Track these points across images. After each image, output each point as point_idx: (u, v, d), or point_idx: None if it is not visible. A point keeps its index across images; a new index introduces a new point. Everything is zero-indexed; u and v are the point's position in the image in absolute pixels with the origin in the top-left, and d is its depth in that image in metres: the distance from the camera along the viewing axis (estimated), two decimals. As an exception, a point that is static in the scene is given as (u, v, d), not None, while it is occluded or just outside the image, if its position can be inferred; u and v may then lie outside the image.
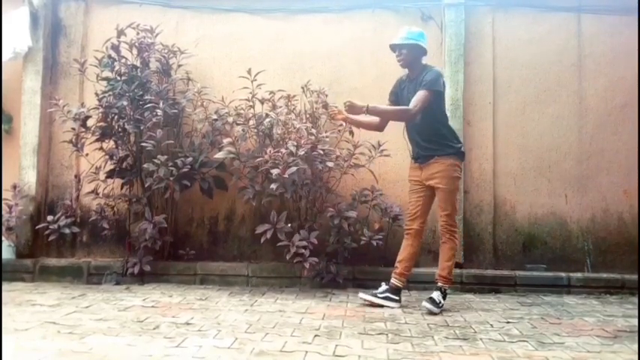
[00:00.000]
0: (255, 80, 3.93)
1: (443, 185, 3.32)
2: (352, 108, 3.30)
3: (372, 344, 2.45)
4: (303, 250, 3.69)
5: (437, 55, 4.41)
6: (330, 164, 3.76)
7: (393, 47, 3.40)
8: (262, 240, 3.80)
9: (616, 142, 4.33)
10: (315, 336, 2.58)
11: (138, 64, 4.08)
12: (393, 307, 3.29)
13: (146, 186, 3.96)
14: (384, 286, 3.40)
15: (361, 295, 3.40)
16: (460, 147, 3.41)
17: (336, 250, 3.94)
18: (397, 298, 3.36)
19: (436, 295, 3.26)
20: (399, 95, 3.50)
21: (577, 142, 4.34)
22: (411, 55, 3.35)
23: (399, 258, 3.46)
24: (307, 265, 3.67)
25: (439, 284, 3.33)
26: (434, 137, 3.35)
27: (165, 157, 3.83)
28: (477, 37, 4.39)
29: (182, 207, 4.34)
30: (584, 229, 4.29)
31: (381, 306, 3.30)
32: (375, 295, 3.35)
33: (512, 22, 4.41)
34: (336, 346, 2.41)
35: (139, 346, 2.36)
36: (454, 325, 2.87)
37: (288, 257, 3.73)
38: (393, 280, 3.41)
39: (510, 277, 3.99)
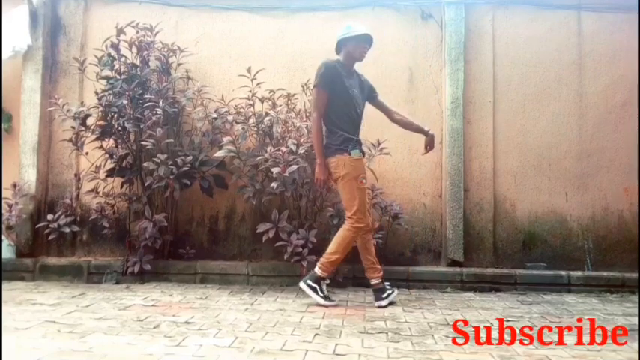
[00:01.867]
0: (255, 79, 3.93)
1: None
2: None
3: (373, 343, 2.46)
4: (301, 249, 3.70)
5: (437, 53, 4.41)
6: None
7: (370, 40, 3.38)
8: (264, 239, 3.80)
9: (616, 141, 4.33)
10: (316, 335, 2.58)
11: (137, 62, 4.08)
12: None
13: (146, 185, 3.96)
14: (389, 289, 3.37)
15: (379, 303, 3.31)
16: None
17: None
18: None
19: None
20: (345, 84, 3.26)
21: (577, 140, 4.34)
22: None
23: (374, 259, 3.39)
24: (305, 264, 3.68)
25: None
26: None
27: (165, 155, 3.83)
28: (477, 35, 4.38)
29: (182, 206, 4.34)
30: (585, 227, 4.29)
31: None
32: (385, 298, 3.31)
33: (512, 20, 4.41)
34: (337, 344, 2.41)
35: (139, 344, 2.36)
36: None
37: (286, 256, 3.74)
38: (380, 282, 3.37)
39: (510, 276, 3.99)
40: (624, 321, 3.02)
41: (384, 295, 3.31)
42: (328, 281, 3.38)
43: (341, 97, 3.28)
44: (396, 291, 3.40)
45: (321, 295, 3.27)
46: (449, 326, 2.81)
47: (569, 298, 3.71)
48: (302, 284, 3.30)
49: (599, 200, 4.30)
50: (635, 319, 3.05)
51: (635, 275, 3.94)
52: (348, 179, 3.25)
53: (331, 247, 3.30)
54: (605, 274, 4.03)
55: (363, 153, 3.40)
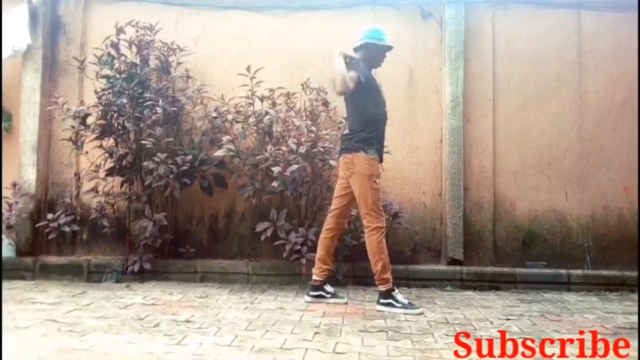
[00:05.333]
0: (255, 78, 3.92)
1: None
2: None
3: (372, 341, 2.46)
4: (300, 247, 3.70)
5: (437, 52, 4.41)
6: (333, 162, 3.75)
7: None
8: (262, 238, 3.81)
9: (616, 139, 4.33)
10: (316, 333, 2.58)
11: (137, 61, 4.07)
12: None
13: (146, 184, 3.96)
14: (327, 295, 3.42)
15: (305, 297, 3.44)
16: None
17: (336, 248, 3.94)
18: None
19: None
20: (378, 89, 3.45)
21: (577, 138, 4.34)
22: None
23: (326, 258, 3.44)
24: (304, 262, 3.68)
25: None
26: None
27: (165, 154, 3.83)
28: (477, 34, 4.38)
29: (182, 205, 4.34)
30: (584, 226, 4.29)
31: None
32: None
33: (512, 19, 4.40)
34: (337, 343, 2.41)
35: (139, 343, 2.36)
36: (454, 323, 2.87)
37: (285, 254, 3.74)
38: (319, 281, 3.43)
39: (510, 274, 3.99)
40: (624, 319, 3.03)
41: (314, 293, 3.38)
42: (396, 289, 3.23)
43: (373, 98, 3.34)
44: (338, 300, 3.37)
45: (400, 305, 3.14)
46: (449, 325, 2.82)
47: (569, 297, 3.72)
48: (378, 306, 3.19)
49: (599, 199, 4.30)
50: (635, 318, 3.05)
51: (634, 274, 3.94)
52: (361, 176, 3.24)
53: (371, 260, 3.27)
54: (604, 272, 4.03)
55: (381, 158, 3.36)
